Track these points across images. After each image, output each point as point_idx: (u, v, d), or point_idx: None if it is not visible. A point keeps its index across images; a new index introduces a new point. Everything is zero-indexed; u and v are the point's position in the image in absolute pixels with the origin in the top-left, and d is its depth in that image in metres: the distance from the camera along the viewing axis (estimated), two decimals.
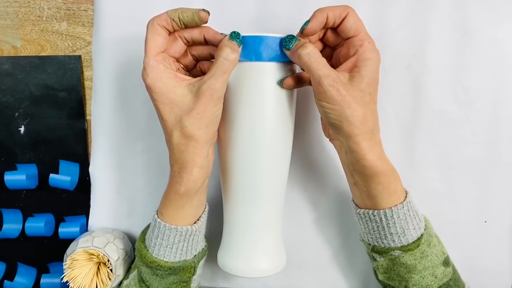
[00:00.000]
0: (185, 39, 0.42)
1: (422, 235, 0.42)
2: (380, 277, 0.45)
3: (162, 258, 0.43)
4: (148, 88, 0.40)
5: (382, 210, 0.41)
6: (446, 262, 0.44)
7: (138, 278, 0.45)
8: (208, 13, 0.40)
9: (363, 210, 0.43)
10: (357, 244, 0.52)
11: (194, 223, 0.43)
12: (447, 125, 0.50)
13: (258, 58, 0.41)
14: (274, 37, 0.41)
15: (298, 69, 0.44)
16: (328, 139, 0.46)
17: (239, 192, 0.44)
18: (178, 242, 0.42)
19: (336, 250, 0.53)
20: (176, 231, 0.42)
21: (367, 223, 0.43)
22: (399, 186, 0.42)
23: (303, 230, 0.53)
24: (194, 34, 0.42)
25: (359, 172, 0.41)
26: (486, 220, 0.51)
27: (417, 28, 0.49)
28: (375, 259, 0.45)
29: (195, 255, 0.45)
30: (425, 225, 0.43)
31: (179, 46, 0.42)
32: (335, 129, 0.41)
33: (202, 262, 0.46)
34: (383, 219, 0.42)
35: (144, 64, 0.40)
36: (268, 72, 0.41)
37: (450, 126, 0.50)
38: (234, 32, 0.40)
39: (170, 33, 0.41)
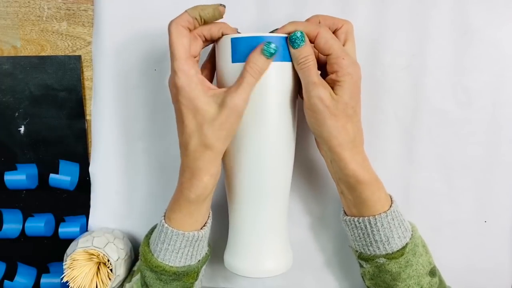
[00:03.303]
0: (204, 37, 0.42)
1: (407, 244, 0.42)
2: (367, 283, 0.46)
3: (167, 263, 0.43)
4: (178, 92, 0.39)
5: (366, 218, 0.42)
6: (433, 273, 0.44)
7: (142, 282, 0.45)
8: (224, 6, 0.41)
9: (349, 217, 0.44)
10: None
11: (201, 228, 0.43)
12: (447, 125, 0.50)
13: None
14: (275, 36, 0.41)
15: None
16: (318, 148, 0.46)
17: (245, 193, 0.44)
18: (184, 247, 0.42)
19: (337, 250, 0.53)
20: (183, 237, 0.42)
21: (353, 230, 0.44)
22: (382, 195, 0.43)
23: (304, 230, 0.53)
24: (214, 31, 0.42)
25: (343, 181, 0.42)
26: (486, 220, 0.51)
27: (417, 28, 0.49)
28: (361, 266, 0.46)
29: (199, 260, 0.45)
30: (412, 234, 0.44)
31: (198, 45, 0.42)
32: (317, 137, 0.43)
33: (204, 266, 0.47)
34: (368, 226, 0.42)
35: (175, 68, 0.39)
36: (271, 72, 0.41)
37: (450, 126, 0.50)
38: (267, 43, 0.40)
39: (190, 31, 0.41)
